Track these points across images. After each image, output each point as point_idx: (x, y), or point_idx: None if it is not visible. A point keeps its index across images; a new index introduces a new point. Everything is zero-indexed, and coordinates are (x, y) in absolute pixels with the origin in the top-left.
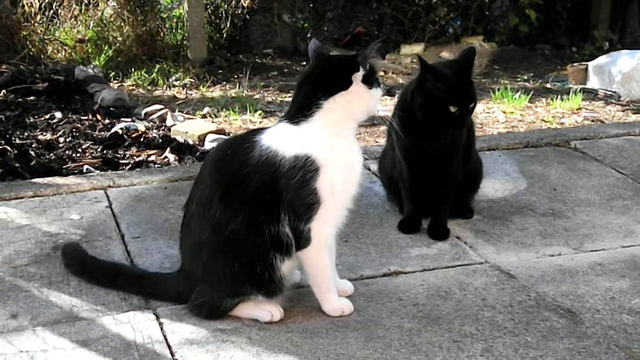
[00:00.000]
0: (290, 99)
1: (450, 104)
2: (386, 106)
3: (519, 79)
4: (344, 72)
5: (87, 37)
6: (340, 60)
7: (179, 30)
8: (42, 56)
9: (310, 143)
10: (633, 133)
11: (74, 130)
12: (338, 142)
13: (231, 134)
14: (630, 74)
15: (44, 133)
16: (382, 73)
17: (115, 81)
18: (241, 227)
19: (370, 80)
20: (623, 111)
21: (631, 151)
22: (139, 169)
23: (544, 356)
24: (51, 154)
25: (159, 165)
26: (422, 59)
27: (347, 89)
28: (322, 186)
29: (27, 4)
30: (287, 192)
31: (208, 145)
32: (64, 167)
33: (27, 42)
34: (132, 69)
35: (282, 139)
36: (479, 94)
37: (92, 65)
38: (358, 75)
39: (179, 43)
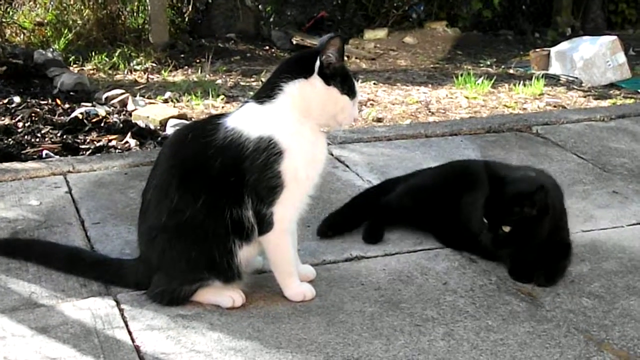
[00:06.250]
0: (253, 83)
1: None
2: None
3: (482, 65)
4: (309, 62)
5: (46, 20)
6: (311, 51)
7: (140, 14)
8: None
9: (274, 125)
10: (594, 119)
11: (32, 114)
12: (302, 130)
13: (193, 119)
14: (591, 60)
15: (2, 118)
16: (344, 58)
17: (75, 65)
18: (201, 211)
19: (329, 77)
20: (585, 97)
21: (592, 136)
22: (99, 154)
23: (504, 339)
24: (9, 139)
25: (120, 151)
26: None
27: (307, 78)
28: (286, 170)
29: None
30: (251, 173)
31: (169, 130)
32: (23, 152)
33: None
34: (93, 53)
35: (247, 120)
36: (442, 80)
37: (51, 49)
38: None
39: (140, 27)
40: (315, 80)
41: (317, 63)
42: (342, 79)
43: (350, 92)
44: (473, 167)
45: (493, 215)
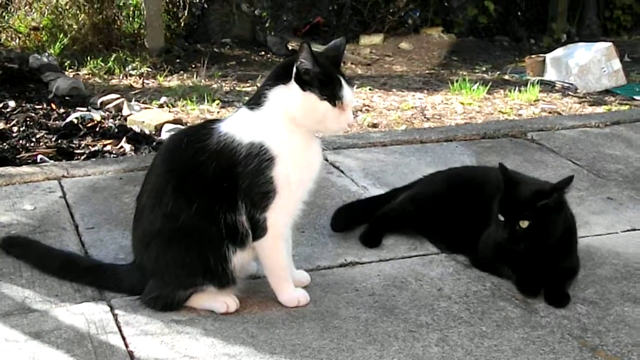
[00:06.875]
0: (249, 89)
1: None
2: None
3: (477, 71)
4: (290, 68)
5: (41, 25)
6: (294, 58)
7: (136, 19)
8: None
9: (265, 131)
10: (589, 125)
11: (27, 119)
12: (293, 135)
13: (188, 124)
14: (587, 66)
15: None
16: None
17: (70, 70)
18: (195, 216)
19: (305, 83)
20: (580, 103)
21: (587, 143)
22: (94, 159)
23: (498, 345)
24: (4, 144)
25: (115, 155)
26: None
27: (286, 84)
28: (278, 176)
29: None
30: (244, 179)
31: (164, 135)
32: (17, 156)
33: None
34: (88, 58)
35: (239, 126)
36: (437, 85)
37: (46, 54)
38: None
39: (136, 32)
40: (293, 86)
41: (294, 69)
42: (321, 85)
43: (331, 98)
44: (483, 172)
45: (510, 212)
